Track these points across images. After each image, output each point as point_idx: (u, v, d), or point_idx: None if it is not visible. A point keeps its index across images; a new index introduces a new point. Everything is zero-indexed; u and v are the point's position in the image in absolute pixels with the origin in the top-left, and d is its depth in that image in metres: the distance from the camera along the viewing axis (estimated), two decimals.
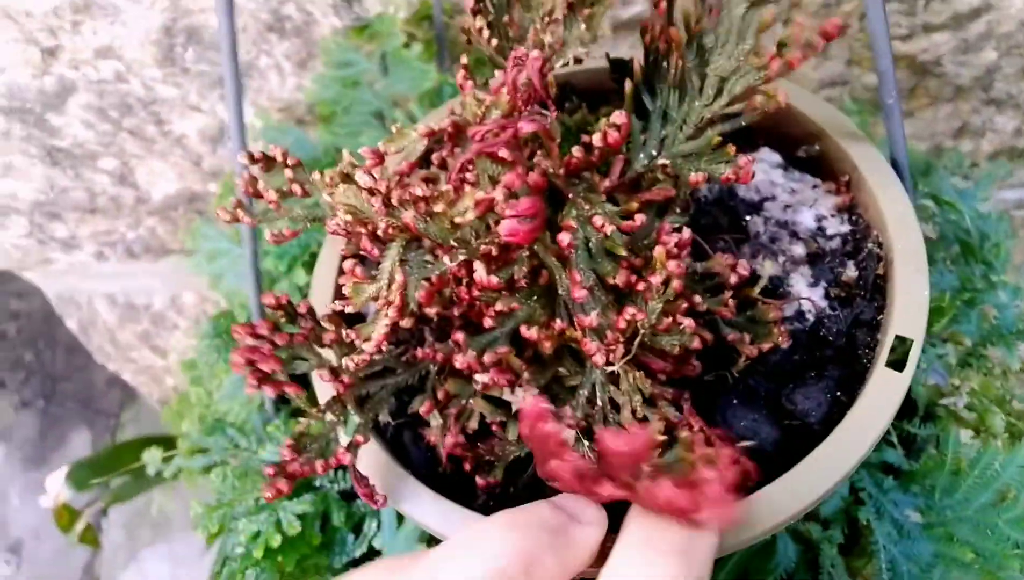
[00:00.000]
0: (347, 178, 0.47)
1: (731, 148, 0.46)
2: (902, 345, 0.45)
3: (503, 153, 0.42)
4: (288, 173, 0.46)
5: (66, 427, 2.26)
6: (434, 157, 0.49)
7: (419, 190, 0.41)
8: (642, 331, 0.42)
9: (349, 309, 0.44)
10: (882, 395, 0.44)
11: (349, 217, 0.42)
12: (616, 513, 0.38)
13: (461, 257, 0.43)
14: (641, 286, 0.41)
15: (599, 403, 0.45)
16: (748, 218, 0.53)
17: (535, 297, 0.46)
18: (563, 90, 0.62)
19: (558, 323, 0.45)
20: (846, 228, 0.52)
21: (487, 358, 0.45)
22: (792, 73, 0.48)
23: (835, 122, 0.56)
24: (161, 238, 1.41)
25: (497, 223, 0.42)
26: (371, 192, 0.41)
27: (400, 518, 0.68)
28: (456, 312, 0.48)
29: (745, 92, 0.49)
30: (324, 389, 0.50)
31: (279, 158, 0.46)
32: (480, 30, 0.51)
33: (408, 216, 0.41)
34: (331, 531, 0.71)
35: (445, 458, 0.48)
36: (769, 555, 0.57)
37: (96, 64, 1.04)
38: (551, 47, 0.50)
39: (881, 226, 0.50)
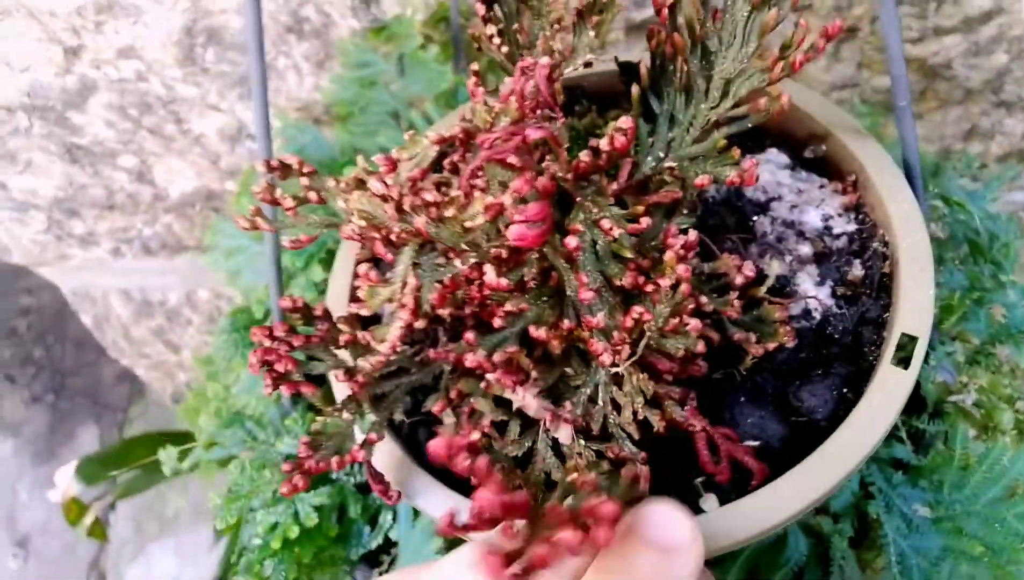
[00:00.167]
0: (361, 184, 0.49)
1: (736, 151, 0.47)
2: (908, 343, 0.46)
3: (512, 159, 0.43)
4: (304, 180, 0.47)
5: (75, 422, 2.29)
6: (446, 162, 0.51)
7: (430, 196, 0.42)
8: (648, 333, 0.43)
9: (364, 312, 0.45)
10: (888, 392, 0.44)
11: (363, 223, 0.44)
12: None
13: (472, 260, 0.44)
14: (650, 288, 0.42)
15: (600, 403, 0.46)
16: (755, 218, 0.54)
17: (544, 298, 0.47)
18: (573, 93, 0.63)
19: (566, 323, 0.46)
20: (852, 227, 0.53)
21: (497, 357, 0.46)
22: (802, 75, 0.49)
23: (841, 122, 0.56)
24: (177, 235, 1.43)
25: (507, 227, 0.43)
26: (384, 198, 0.42)
27: (416, 511, 0.69)
28: (468, 311, 0.49)
29: (750, 94, 0.50)
30: (340, 388, 0.52)
31: (295, 166, 0.47)
32: (491, 37, 0.52)
33: (420, 221, 0.42)
34: (347, 523, 0.72)
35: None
36: (780, 549, 0.57)
37: (117, 64, 1.06)
38: (560, 54, 0.51)
39: (887, 225, 0.51)
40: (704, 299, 0.45)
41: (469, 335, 0.45)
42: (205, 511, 2.00)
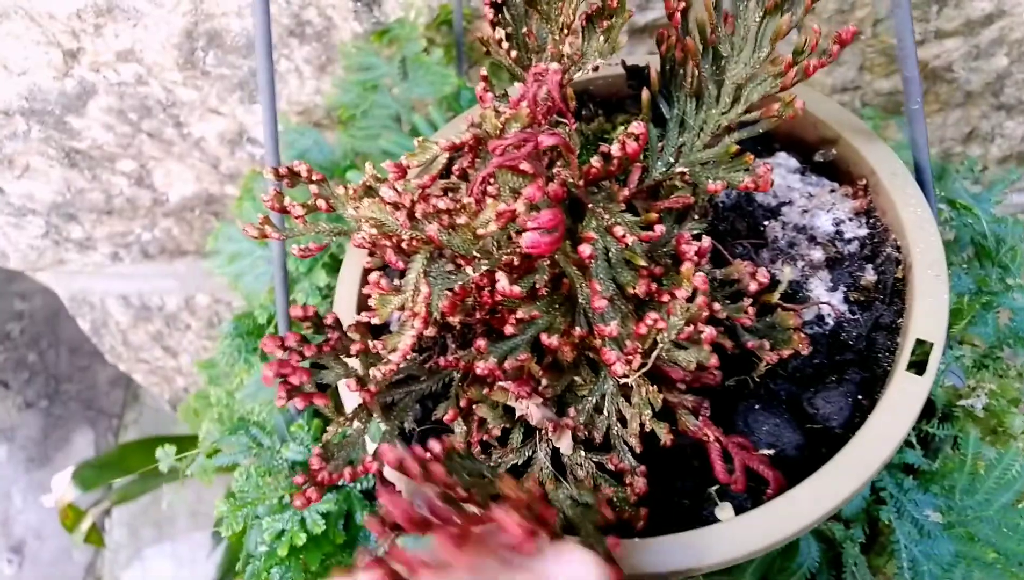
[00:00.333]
0: (370, 191, 0.48)
1: (750, 156, 0.47)
2: (922, 349, 0.46)
3: (524, 165, 0.43)
4: (313, 188, 0.47)
5: (69, 427, 2.27)
6: (455, 168, 0.50)
7: (443, 203, 0.41)
8: (660, 344, 0.42)
9: (375, 321, 0.45)
10: (903, 399, 0.44)
11: (374, 231, 0.43)
12: None
13: (484, 267, 0.44)
14: (665, 298, 0.42)
15: (605, 413, 0.46)
16: (766, 223, 0.53)
17: (556, 305, 0.47)
18: (580, 97, 0.63)
19: (578, 331, 0.45)
20: (864, 232, 0.52)
21: (508, 364, 0.45)
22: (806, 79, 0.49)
23: (851, 125, 0.56)
24: (177, 239, 1.42)
25: (518, 233, 0.43)
26: (396, 206, 0.42)
27: None
28: (478, 316, 0.48)
29: (762, 99, 0.49)
30: (350, 397, 0.51)
31: (304, 173, 0.46)
32: (499, 42, 0.51)
33: (432, 229, 0.41)
34: (354, 529, 0.72)
35: None
36: (792, 555, 0.57)
37: (117, 67, 1.05)
38: (570, 59, 0.51)
39: (899, 230, 0.51)
40: (717, 306, 0.45)
41: (480, 342, 0.45)
42: (202, 515, 1.99)
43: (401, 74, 0.88)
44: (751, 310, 0.45)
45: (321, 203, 0.47)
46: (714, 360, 0.42)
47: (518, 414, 0.48)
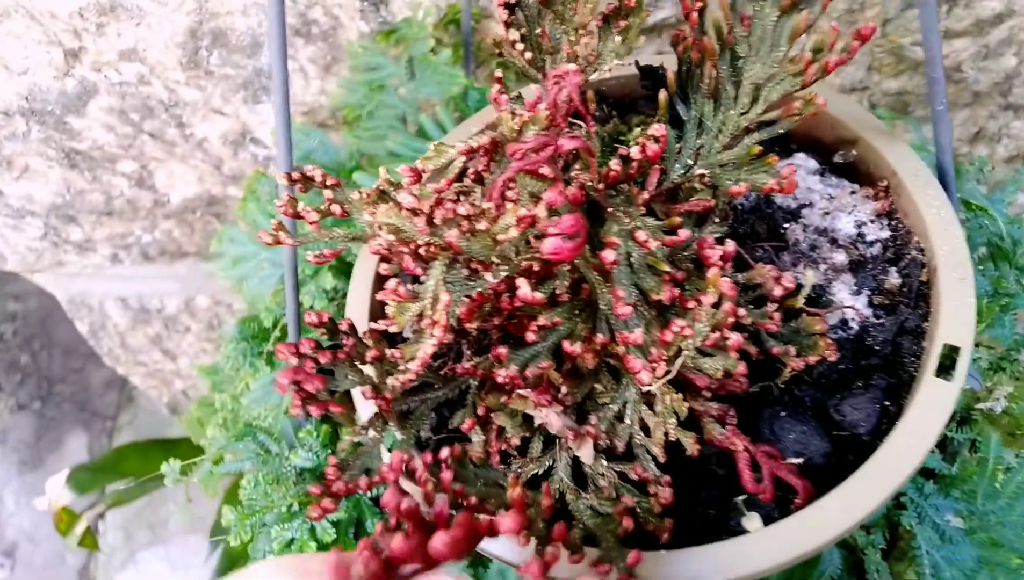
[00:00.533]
0: (383, 196, 0.47)
1: (773, 157, 0.46)
2: (949, 353, 0.45)
3: (544, 170, 0.42)
4: (327, 193, 0.46)
5: (62, 430, 2.26)
6: (470, 172, 0.49)
7: (463, 209, 0.40)
8: (685, 351, 0.41)
9: (393, 328, 0.44)
10: (932, 405, 0.43)
11: (391, 237, 0.42)
12: None
13: (503, 273, 0.43)
14: (691, 305, 0.41)
15: (627, 421, 0.45)
16: (786, 226, 0.52)
17: (576, 311, 0.46)
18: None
19: (600, 338, 0.45)
20: (886, 234, 0.52)
21: (529, 372, 0.44)
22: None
23: (871, 125, 0.55)
24: (178, 241, 1.41)
25: (537, 238, 0.42)
26: (414, 212, 0.41)
27: None
28: (496, 322, 0.48)
29: (781, 99, 0.49)
30: (365, 406, 0.50)
31: (318, 179, 0.45)
32: (513, 43, 0.50)
33: (452, 235, 0.40)
34: (365, 538, 0.71)
35: None
36: (815, 562, 0.56)
37: (119, 66, 1.04)
38: (585, 60, 0.50)
39: (922, 232, 0.50)
40: (742, 311, 0.44)
41: (502, 350, 0.44)
42: (197, 519, 1.98)
43: (408, 74, 0.87)
44: (776, 315, 0.44)
45: (336, 209, 0.46)
46: (742, 367, 0.41)
47: (537, 422, 0.47)
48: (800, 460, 0.44)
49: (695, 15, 0.50)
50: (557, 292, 0.45)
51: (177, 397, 1.91)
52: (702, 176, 0.49)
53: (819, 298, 0.49)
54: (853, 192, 0.54)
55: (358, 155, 0.90)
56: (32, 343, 2.39)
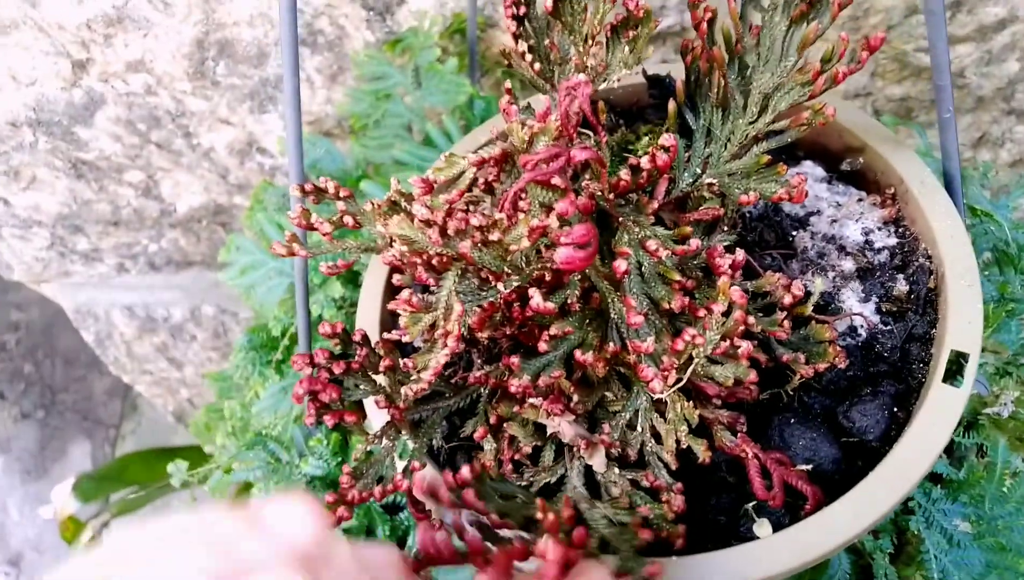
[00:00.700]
0: (395, 206, 0.48)
1: (783, 167, 0.46)
2: (957, 359, 0.45)
3: (555, 181, 0.42)
4: (340, 205, 0.46)
5: (65, 439, 2.25)
6: (480, 182, 0.50)
7: (476, 220, 0.41)
8: (696, 359, 0.42)
9: (406, 339, 0.44)
10: (940, 411, 0.44)
11: (404, 248, 0.43)
12: None
13: (514, 283, 0.43)
14: (702, 313, 0.41)
15: (639, 429, 0.45)
16: (794, 233, 0.53)
17: (587, 320, 0.46)
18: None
19: (611, 346, 0.45)
20: (894, 241, 0.52)
21: (542, 381, 0.45)
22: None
23: (878, 133, 0.56)
24: (184, 250, 1.42)
25: (548, 248, 0.43)
26: (428, 223, 0.42)
27: None
28: (508, 331, 0.48)
29: (790, 108, 0.49)
30: (378, 415, 0.51)
31: (331, 190, 0.46)
32: (523, 54, 0.51)
33: (465, 245, 0.41)
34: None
35: None
36: (823, 567, 0.57)
37: (126, 77, 1.05)
38: (594, 70, 0.51)
39: (930, 239, 0.50)
40: (752, 319, 0.44)
41: (514, 359, 0.44)
42: None
43: (414, 83, 0.87)
44: (786, 323, 0.45)
45: (348, 220, 0.46)
46: (752, 375, 0.41)
47: (549, 431, 0.47)
48: (810, 466, 0.45)
49: (704, 25, 0.51)
50: (568, 301, 0.45)
51: (183, 405, 1.91)
52: (711, 185, 0.49)
53: (828, 305, 0.49)
54: (860, 199, 0.55)
55: (364, 164, 0.91)
56: (35, 352, 2.39)
